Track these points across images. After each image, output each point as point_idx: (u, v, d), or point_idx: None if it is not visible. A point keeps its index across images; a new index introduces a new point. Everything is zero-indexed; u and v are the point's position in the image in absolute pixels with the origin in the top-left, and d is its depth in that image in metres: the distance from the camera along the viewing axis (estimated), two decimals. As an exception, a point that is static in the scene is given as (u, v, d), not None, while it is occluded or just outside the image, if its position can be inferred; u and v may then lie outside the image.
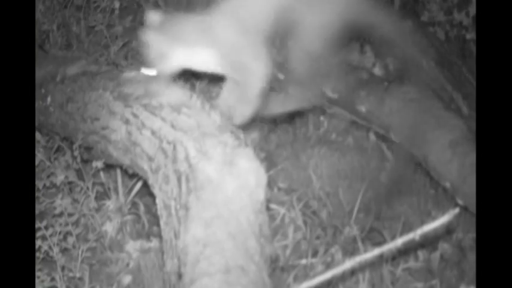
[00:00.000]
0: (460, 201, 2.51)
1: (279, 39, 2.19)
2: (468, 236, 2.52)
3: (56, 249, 2.19)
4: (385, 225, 2.56)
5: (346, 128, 2.97)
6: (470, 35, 3.22)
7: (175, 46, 2.05)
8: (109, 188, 2.54)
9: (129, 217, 2.52)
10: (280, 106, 2.34)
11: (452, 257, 2.48)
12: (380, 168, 2.83)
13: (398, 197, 2.70)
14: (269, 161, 2.73)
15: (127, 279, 2.36)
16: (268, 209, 2.37)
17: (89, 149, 2.28)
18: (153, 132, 1.97)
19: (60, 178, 2.34)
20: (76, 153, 2.29)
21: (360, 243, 2.42)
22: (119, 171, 2.49)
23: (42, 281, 2.15)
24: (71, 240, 2.26)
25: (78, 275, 2.26)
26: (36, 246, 2.16)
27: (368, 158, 2.86)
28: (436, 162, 2.59)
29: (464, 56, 3.21)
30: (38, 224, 2.16)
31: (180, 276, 1.68)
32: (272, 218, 2.49)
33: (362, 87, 2.85)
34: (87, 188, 2.39)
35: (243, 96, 2.10)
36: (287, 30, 2.14)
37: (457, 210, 1.46)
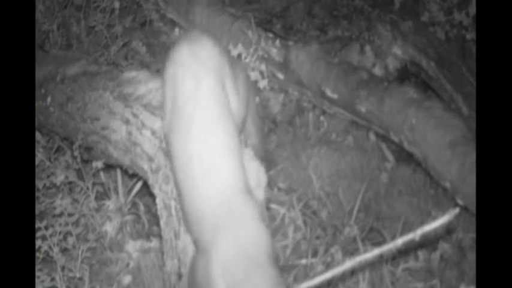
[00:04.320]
0: (460, 201, 2.51)
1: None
2: (468, 236, 2.52)
3: (56, 249, 2.19)
4: (385, 225, 2.56)
5: (346, 128, 2.97)
6: (470, 35, 3.22)
7: None
8: (109, 188, 2.54)
9: (129, 217, 2.52)
10: None
11: (452, 257, 2.48)
12: (380, 168, 2.83)
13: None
14: (269, 161, 2.73)
15: (127, 279, 2.36)
16: (268, 209, 2.37)
17: (89, 149, 2.28)
18: (153, 132, 1.97)
19: (60, 178, 2.34)
20: (76, 153, 2.28)
21: (360, 243, 2.42)
22: (119, 171, 2.49)
23: (42, 281, 2.15)
24: (71, 240, 2.26)
25: (78, 275, 2.25)
26: (36, 246, 2.15)
27: (368, 158, 2.86)
28: (436, 162, 2.59)
29: (464, 56, 3.21)
30: (38, 224, 2.15)
31: (180, 276, 1.68)
32: (272, 218, 2.49)
33: (362, 87, 2.85)
34: (87, 188, 2.39)
35: None
36: None
37: (457, 210, 1.46)
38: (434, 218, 1.49)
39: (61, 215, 2.26)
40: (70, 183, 2.41)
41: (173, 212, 1.78)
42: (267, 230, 1.57)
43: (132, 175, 2.32)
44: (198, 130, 1.62)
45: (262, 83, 2.95)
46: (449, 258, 2.47)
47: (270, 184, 2.59)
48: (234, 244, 1.51)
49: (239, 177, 1.61)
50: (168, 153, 1.73)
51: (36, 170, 2.36)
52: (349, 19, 3.35)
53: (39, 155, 2.40)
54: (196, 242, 1.60)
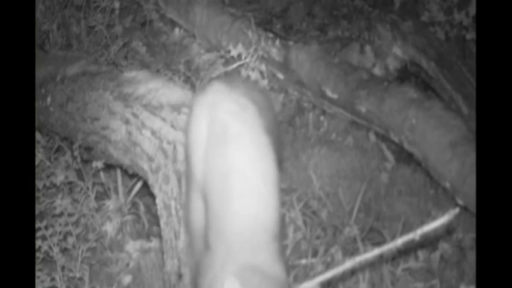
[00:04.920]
0: (460, 201, 2.51)
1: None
2: (468, 236, 2.52)
3: (56, 249, 2.19)
4: (385, 225, 2.56)
5: (346, 128, 2.97)
6: (470, 35, 3.22)
7: None
8: (109, 188, 2.54)
9: (129, 217, 2.52)
10: None
11: (452, 257, 2.48)
12: (380, 168, 2.83)
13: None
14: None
15: (127, 279, 2.36)
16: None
17: (89, 149, 2.28)
18: (153, 132, 1.97)
19: (60, 178, 2.34)
20: (76, 153, 2.29)
21: (360, 243, 2.42)
22: (119, 171, 2.49)
23: (42, 281, 2.15)
24: (71, 240, 2.26)
25: (78, 275, 2.26)
26: (36, 246, 2.16)
27: (368, 158, 2.86)
28: (436, 162, 2.59)
29: (464, 56, 3.21)
30: (38, 224, 2.15)
31: (180, 276, 1.68)
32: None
33: (362, 87, 2.85)
34: (87, 188, 2.39)
35: None
36: None
37: (457, 210, 1.46)
38: (434, 218, 1.48)
39: (61, 215, 2.26)
40: (70, 183, 2.41)
41: (173, 212, 1.79)
42: (283, 270, 1.50)
43: (132, 175, 2.32)
44: (243, 148, 1.54)
45: (262, 83, 2.95)
46: (449, 258, 2.47)
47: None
48: (243, 272, 1.45)
49: (273, 211, 1.53)
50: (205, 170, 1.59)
51: (36, 170, 2.36)
52: (349, 19, 3.35)
53: (39, 155, 2.40)
54: (209, 249, 1.55)
